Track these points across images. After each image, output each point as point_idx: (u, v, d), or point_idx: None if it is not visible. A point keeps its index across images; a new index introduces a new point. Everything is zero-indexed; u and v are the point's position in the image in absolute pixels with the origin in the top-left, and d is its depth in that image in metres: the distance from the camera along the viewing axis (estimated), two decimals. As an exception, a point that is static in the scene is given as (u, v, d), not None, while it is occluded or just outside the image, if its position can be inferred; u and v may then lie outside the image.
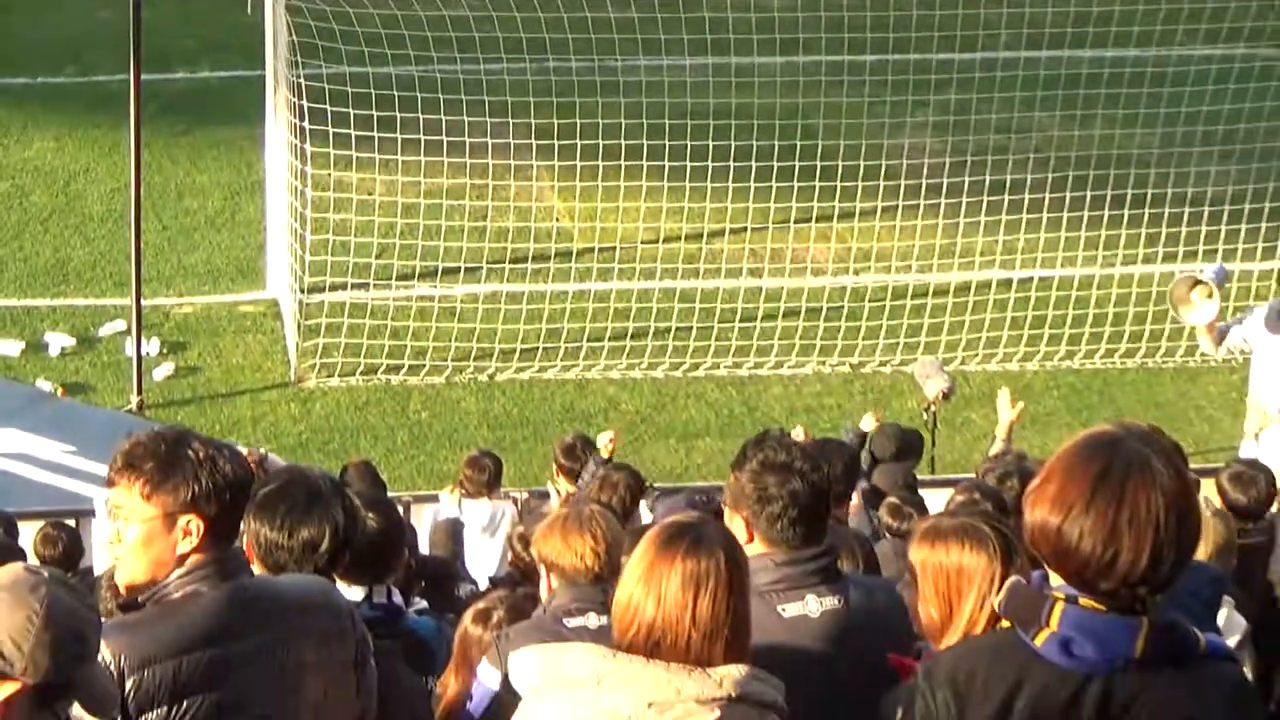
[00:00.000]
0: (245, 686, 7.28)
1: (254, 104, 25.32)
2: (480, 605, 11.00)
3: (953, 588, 7.48)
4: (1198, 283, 18.34)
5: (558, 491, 17.36)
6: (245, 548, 8.33)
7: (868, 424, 18.54)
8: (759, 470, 8.43)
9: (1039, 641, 6.08)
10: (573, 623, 9.66)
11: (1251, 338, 18.27)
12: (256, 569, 8.28)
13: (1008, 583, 6.39)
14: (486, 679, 9.92)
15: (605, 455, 17.89)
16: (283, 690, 7.40)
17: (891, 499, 15.01)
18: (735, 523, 8.53)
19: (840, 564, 8.94)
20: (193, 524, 7.32)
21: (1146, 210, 24.87)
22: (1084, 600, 6.05)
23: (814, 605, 8.39)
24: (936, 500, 14.70)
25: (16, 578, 6.52)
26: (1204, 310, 18.13)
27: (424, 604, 12.64)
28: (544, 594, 10.37)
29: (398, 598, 9.75)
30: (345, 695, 7.63)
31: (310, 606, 7.68)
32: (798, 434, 17.79)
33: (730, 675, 6.89)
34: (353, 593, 9.13)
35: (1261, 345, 18.16)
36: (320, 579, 8.20)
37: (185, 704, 7.17)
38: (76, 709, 6.60)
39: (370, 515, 9.25)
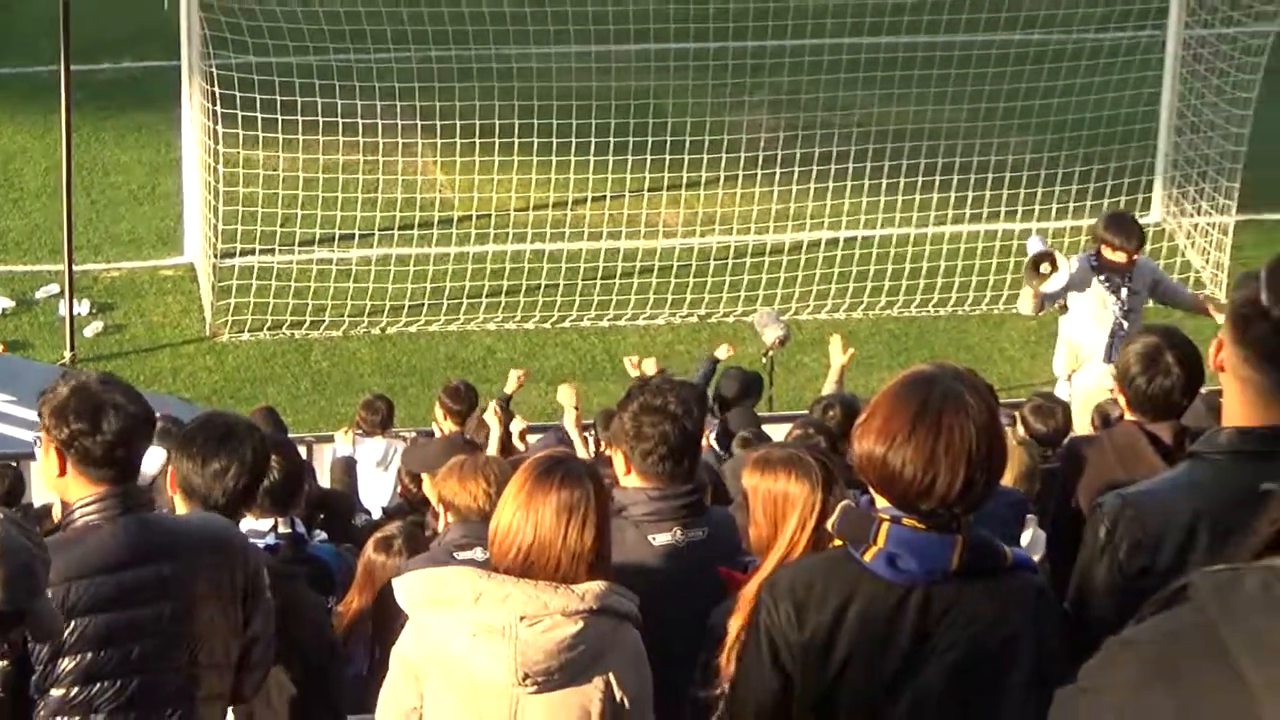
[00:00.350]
0: (135, 612, 7.26)
1: (171, 91, 25.17)
2: (380, 535, 11.14)
3: (778, 511, 7.51)
4: (1038, 262, 18.35)
5: (443, 431, 17.34)
6: (170, 482, 8.37)
7: (722, 353, 18.65)
8: (638, 411, 8.53)
9: (868, 557, 6.13)
10: (462, 555, 9.72)
11: (1070, 293, 18.31)
12: (180, 501, 8.28)
13: (840, 506, 6.45)
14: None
15: (512, 390, 17.95)
16: (173, 617, 7.36)
17: (744, 433, 15.18)
18: (616, 456, 8.68)
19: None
20: (53, 453, 7.37)
21: (955, 176, 24.99)
22: (906, 520, 6.11)
23: (680, 536, 8.49)
24: (777, 434, 14.69)
25: None
26: (1056, 280, 18.18)
27: (324, 534, 12.62)
28: (441, 528, 10.42)
29: (301, 528, 9.70)
30: (233, 625, 7.59)
31: (204, 543, 7.68)
32: (649, 365, 17.89)
33: (592, 590, 7.00)
34: (262, 524, 9.08)
35: (1075, 294, 18.20)
36: (220, 518, 8.18)
37: (74, 624, 7.14)
38: None
39: (274, 456, 9.19)
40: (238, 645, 7.57)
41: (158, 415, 16.41)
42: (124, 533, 7.37)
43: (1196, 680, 2.26)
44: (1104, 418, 13.06)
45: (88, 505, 7.45)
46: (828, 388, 17.70)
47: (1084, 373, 17.53)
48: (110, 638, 7.20)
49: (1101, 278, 17.95)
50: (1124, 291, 17.93)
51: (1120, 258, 17.81)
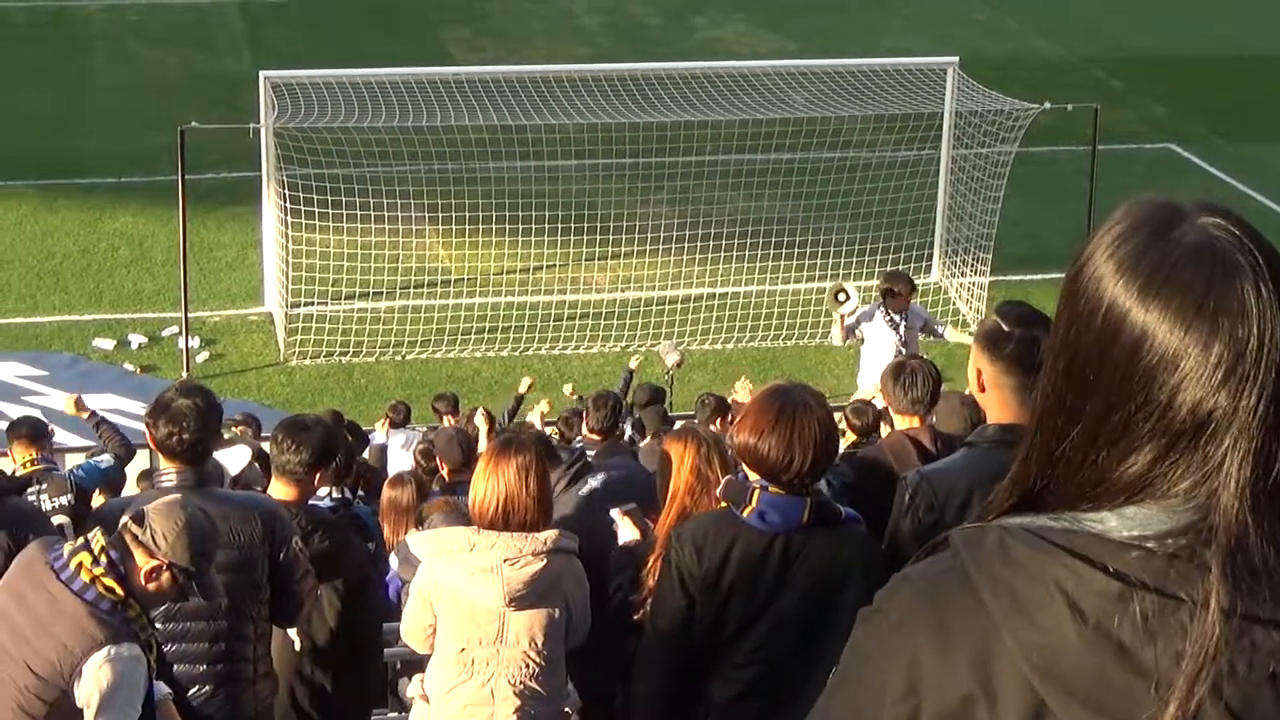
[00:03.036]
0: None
1: (255, 192, 25.16)
2: (394, 477, 11.38)
3: (668, 461, 7.47)
4: (835, 293, 18.59)
5: (440, 424, 17.41)
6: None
7: (633, 363, 18.74)
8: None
9: (745, 514, 6.17)
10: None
11: (865, 329, 18.40)
12: (274, 477, 8.34)
13: (725, 479, 6.53)
14: (393, 567, 10.12)
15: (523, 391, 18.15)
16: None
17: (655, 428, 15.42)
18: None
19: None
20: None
21: (795, 250, 25.03)
22: (772, 488, 6.13)
23: (592, 483, 8.69)
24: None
25: (172, 499, 6.72)
26: (849, 304, 18.39)
27: (362, 494, 12.59)
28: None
29: (348, 494, 9.66)
30: (263, 569, 7.59)
31: (238, 512, 7.68)
32: (566, 389, 18.07)
33: (551, 535, 7.12)
34: (321, 491, 9.04)
35: (868, 329, 18.30)
36: (261, 496, 8.25)
37: None
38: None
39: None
40: (265, 583, 7.59)
41: (240, 415, 16.33)
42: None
43: (952, 604, 2.30)
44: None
45: (161, 475, 7.52)
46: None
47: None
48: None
49: (885, 316, 18.14)
50: (901, 326, 18.08)
51: (896, 300, 18.09)
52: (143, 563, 6.43)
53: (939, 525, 6.02)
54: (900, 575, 2.41)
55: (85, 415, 14.30)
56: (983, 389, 6.01)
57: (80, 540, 6.60)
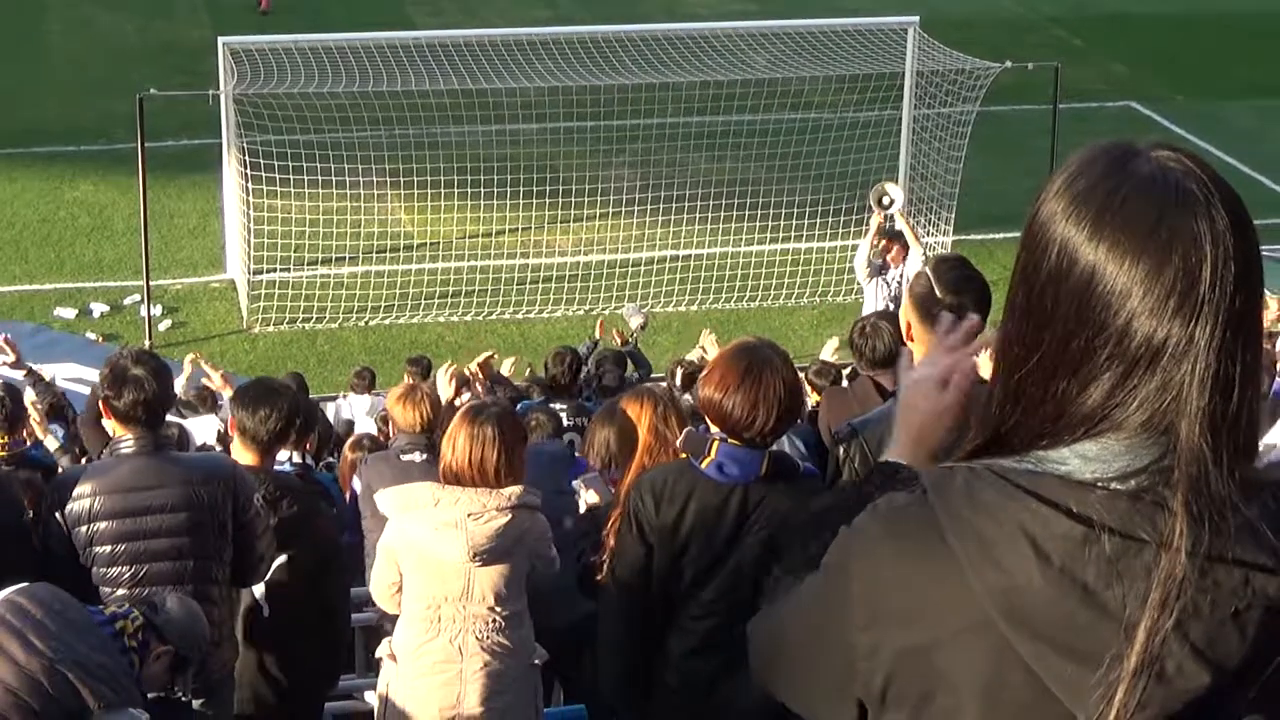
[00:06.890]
0: (142, 518, 7.35)
1: (215, 159, 25.07)
2: (353, 439, 11.39)
3: (632, 425, 7.60)
4: (879, 197, 18.66)
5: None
6: (231, 424, 8.48)
7: (595, 335, 18.77)
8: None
9: (704, 465, 6.25)
10: (405, 457, 9.85)
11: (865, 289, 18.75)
12: (236, 440, 8.31)
13: (684, 430, 6.61)
14: (354, 485, 10.27)
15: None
16: (171, 524, 7.42)
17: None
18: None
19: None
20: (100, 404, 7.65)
21: (759, 211, 25.11)
22: (731, 440, 6.16)
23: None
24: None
25: (183, 596, 6.98)
26: (897, 203, 18.53)
27: (333, 460, 12.61)
28: (392, 436, 10.77)
29: (310, 460, 9.68)
30: (224, 530, 7.63)
31: (201, 473, 7.70)
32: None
33: (514, 491, 7.20)
34: (282, 455, 9.06)
35: (866, 287, 18.63)
36: (222, 457, 8.24)
37: (101, 525, 7.31)
38: None
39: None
40: (228, 545, 7.61)
41: (196, 388, 16.23)
42: (143, 463, 7.44)
43: (916, 540, 2.33)
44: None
45: (119, 442, 7.54)
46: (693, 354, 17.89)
47: None
48: (123, 536, 7.31)
49: (881, 272, 18.37)
50: (892, 280, 18.31)
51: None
52: (153, 646, 6.66)
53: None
54: (873, 504, 2.45)
55: (23, 372, 13.02)
56: (911, 339, 6.11)
57: (122, 609, 6.91)
